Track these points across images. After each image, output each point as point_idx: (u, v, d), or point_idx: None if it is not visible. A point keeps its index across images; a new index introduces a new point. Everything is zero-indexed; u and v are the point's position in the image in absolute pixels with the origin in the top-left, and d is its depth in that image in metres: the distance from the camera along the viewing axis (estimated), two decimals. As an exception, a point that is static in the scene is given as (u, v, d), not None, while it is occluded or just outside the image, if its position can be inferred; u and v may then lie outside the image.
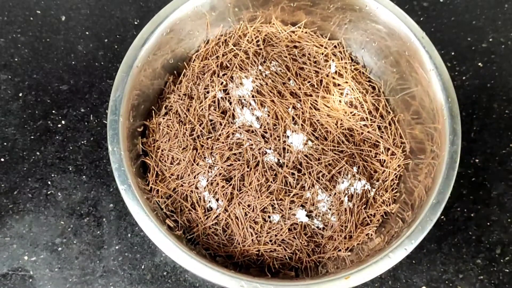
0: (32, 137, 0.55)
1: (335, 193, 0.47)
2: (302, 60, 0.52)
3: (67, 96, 0.57)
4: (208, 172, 0.46)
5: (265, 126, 0.48)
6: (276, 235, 0.46)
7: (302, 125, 0.48)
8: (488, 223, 0.54)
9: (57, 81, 0.58)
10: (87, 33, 0.60)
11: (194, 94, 0.50)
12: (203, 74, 0.51)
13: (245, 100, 0.49)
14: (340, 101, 0.51)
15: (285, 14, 0.53)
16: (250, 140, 0.47)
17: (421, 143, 0.48)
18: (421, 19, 0.63)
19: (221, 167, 0.46)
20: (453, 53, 0.62)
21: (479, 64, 0.61)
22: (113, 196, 0.53)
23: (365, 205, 0.48)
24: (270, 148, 0.47)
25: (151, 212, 0.41)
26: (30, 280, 0.49)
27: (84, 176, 0.54)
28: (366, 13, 0.49)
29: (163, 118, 0.49)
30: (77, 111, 0.56)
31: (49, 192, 0.53)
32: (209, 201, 0.46)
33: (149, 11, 0.62)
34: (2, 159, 0.54)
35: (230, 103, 0.49)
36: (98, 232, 0.51)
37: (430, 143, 0.46)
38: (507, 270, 0.52)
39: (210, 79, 0.50)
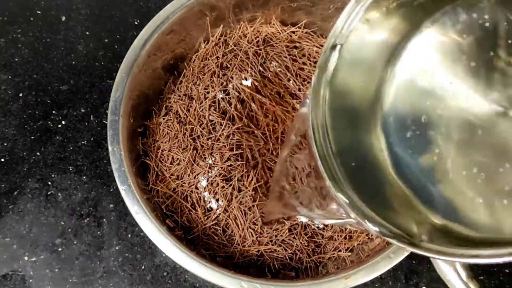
0: (32, 137, 0.55)
1: (335, 193, 0.47)
2: (302, 60, 0.52)
3: (67, 96, 0.57)
4: (208, 172, 0.46)
5: (264, 127, 0.48)
6: (276, 236, 0.46)
7: (302, 125, 0.48)
8: (488, 223, 0.54)
9: (57, 81, 0.58)
10: (87, 33, 0.60)
11: (194, 95, 0.50)
12: (203, 74, 0.51)
13: (244, 100, 0.49)
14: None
15: (285, 14, 0.53)
16: (250, 141, 0.47)
17: (421, 143, 0.48)
18: (421, 19, 0.63)
19: (221, 167, 0.46)
20: (453, 53, 0.62)
21: (479, 64, 0.61)
22: (113, 197, 0.53)
23: (365, 205, 0.48)
24: (269, 149, 0.47)
25: (151, 213, 0.41)
26: (30, 280, 0.49)
27: (84, 177, 0.54)
28: (366, 13, 0.49)
29: (163, 119, 0.49)
30: (77, 111, 0.56)
31: (49, 193, 0.53)
32: (209, 201, 0.46)
33: (149, 11, 0.62)
34: (2, 160, 0.54)
35: (230, 104, 0.49)
36: (98, 232, 0.51)
37: (430, 143, 0.46)
38: (507, 271, 0.52)
39: (210, 80, 0.50)
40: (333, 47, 0.31)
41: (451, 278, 0.28)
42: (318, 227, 0.47)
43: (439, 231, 0.28)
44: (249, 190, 0.46)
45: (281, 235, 0.46)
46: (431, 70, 0.31)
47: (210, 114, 0.48)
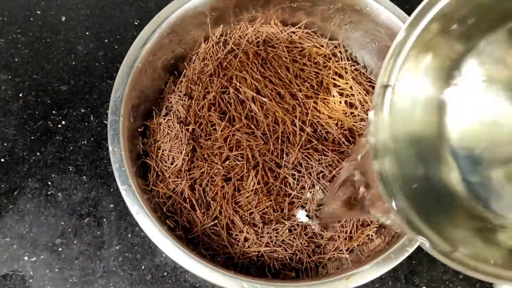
0: (32, 137, 0.55)
1: (335, 194, 0.47)
2: (302, 61, 0.52)
3: (67, 96, 0.57)
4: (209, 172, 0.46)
5: (264, 128, 0.48)
6: (276, 236, 0.46)
7: (301, 126, 0.48)
8: (488, 224, 0.54)
9: (57, 81, 0.58)
10: (87, 33, 0.60)
11: (194, 95, 0.50)
12: (203, 74, 0.51)
13: (244, 101, 0.49)
14: (340, 102, 0.51)
15: (286, 14, 0.53)
16: (250, 141, 0.47)
17: (421, 144, 0.48)
18: (421, 19, 0.63)
19: (221, 167, 0.46)
20: (453, 54, 0.62)
21: (479, 64, 0.61)
22: (113, 197, 0.53)
23: (365, 206, 0.48)
24: (269, 150, 0.47)
25: (151, 213, 0.41)
26: (30, 280, 0.49)
27: (84, 177, 0.54)
28: (367, 14, 0.49)
29: (164, 119, 0.49)
30: (77, 112, 0.56)
31: (49, 193, 0.53)
32: (209, 202, 0.46)
33: (149, 11, 0.62)
34: (2, 160, 0.54)
35: (230, 104, 0.49)
36: (98, 232, 0.51)
37: (430, 144, 0.46)
38: (507, 271, 0.52)
39: (210, 80, 0.50)
40: (385, 87, 0.30)
41: None
42: (318, 228, 0.47)
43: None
44: (248, 191, 0.46)
45: (281, 236, 0.46)
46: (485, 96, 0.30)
47: (210, 115, 0.48)
